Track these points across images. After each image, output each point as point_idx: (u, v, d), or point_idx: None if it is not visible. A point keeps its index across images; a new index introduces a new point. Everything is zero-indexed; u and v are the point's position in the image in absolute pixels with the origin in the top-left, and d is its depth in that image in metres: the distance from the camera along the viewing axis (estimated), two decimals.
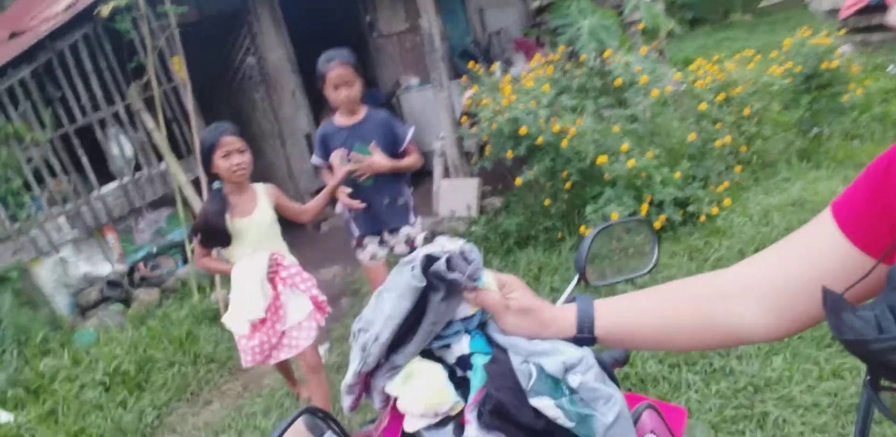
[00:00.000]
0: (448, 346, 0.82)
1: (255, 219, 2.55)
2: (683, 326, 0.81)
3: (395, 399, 0.82)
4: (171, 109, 4.67)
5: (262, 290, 2.44)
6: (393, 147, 2.92)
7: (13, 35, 4.65)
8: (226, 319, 2.54)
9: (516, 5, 7.73)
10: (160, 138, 4.53)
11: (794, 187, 3.97)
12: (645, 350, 0.83)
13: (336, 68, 2.75)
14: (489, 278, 0.81)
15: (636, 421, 0.84)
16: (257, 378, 3.45)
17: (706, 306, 0.80)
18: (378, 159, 2.80)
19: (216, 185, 2.54)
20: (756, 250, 3.43)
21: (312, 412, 0.87)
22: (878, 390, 0.57)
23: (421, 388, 0.79)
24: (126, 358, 3.47)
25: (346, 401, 0.85)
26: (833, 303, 0.58)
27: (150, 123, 4.54)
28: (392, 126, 2.95)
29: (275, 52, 5.54)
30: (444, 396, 0.79)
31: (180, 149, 4.76)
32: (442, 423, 0.80)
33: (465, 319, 0.82)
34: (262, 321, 2.50)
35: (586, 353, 0.77)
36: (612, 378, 0.80)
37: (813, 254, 0.72)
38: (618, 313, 0.83)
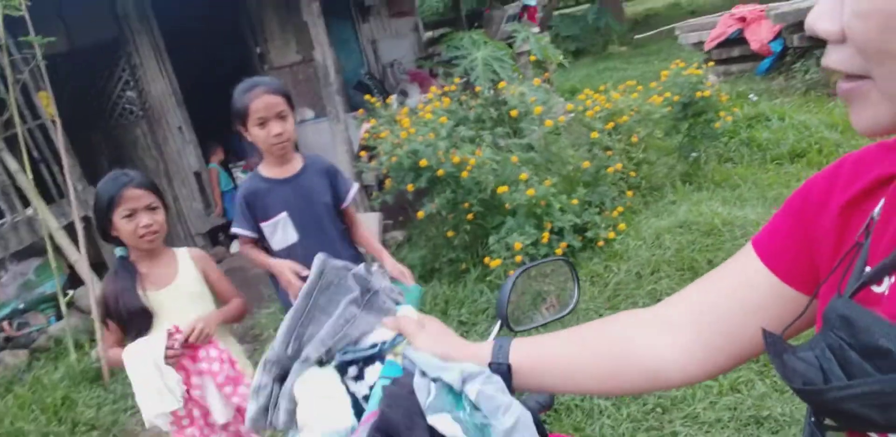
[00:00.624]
0: (359, 374, 0.82)
1: (179, 287, 2.00)
2: (600, 359, 0.78)
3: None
4: (38, 148, 4.28)
5: (161, 377, 1.82)
6: (334, 205, 2.36)
7: None
8: (144, 415, 1.90)
9: (409, 36, 7.84)
10: (26, 181, 4.12)
11: (680, 209, 4.19)
12: (563, 393, 0.82)
13: (262, 96, 2.07)
14: (410, 308, 0.87)
15: None
16: None
17: (625, 341, 0.78)
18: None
19: (118, 252, 2.01)
20: (652, 273, 3.56)
21: None
22: (824, 430, 0.56)
23: (318, 396, 0.80)
24: None
25: (251, 408, 0.83)
26: (773, 345, 0.57)
27: (12, 165, 4.13)
28: (337, 177, 2.36)
29: (157, 84, 5.24)
30: (340, 407, 0.79)
31: (50, 192, 4.35)
32: None
33: (380, 343, 0.83)
34: (188, 414, 1.95)
35: (489, 372, 0.75)
36: (538, 423, 0.78)
37: (737, 289, 0.72)
38: (534, 345, 0.81)
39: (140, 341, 1.89)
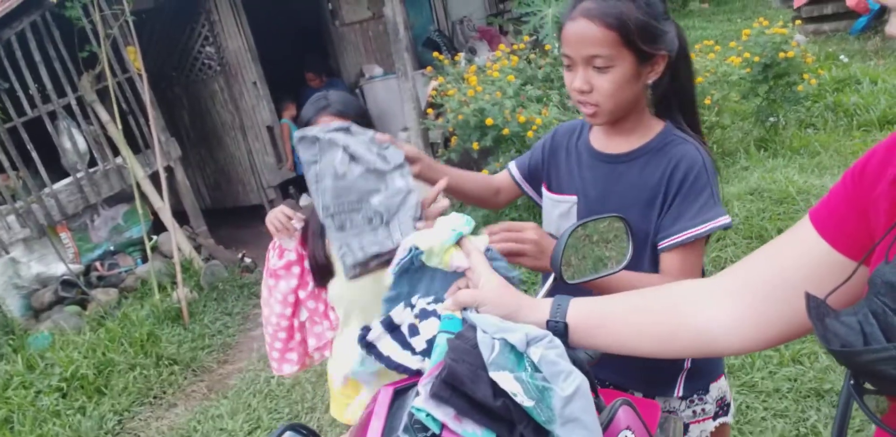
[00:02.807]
0: (413, 331, 0.87)
1: None
2: (656, 323, 0.80)
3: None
4: (126, 101, 4.51)
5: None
6: None
7: None
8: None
9: None
10: (115, 132, 4.38)
11: (752, 176, 4.05)
12: (616, 353, 0.85)
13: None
14: (479, 239, 0.93)
15: (612, 418, 0.84)
16: (222, 379, 3.39)
17: (684, 306, 0.80)
18: None
19: None
20: (718, 239, 3.48)
21: (296, 428, 0.86)
22: (862, 393, 0.57)
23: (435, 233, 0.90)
24: (84, 362, 3.34)
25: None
26: (816, 309, 0.57)
27: (104, 116, 4.38)
28: None
29: (234, 41, 5.39)
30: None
31: (137, 142, 4.61)
32: (406, 390, 0.82)
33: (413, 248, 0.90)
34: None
35: (552, 336, 0.77)
36: (586, 374, 0.79)
37: (793, 259, 0.72)
38: (592, 306, 0.83)
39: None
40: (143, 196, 4.39)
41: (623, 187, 1.21)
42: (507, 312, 0.83)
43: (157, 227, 4.57)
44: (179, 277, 4.04)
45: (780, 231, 3.38)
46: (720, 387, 1.34)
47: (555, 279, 1.02)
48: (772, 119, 4.78)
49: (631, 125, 1.21)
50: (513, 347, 0.75)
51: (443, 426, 0.72)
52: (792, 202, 3.61)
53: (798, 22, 5.31)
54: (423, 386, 0.74)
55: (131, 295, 4.21)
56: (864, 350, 0.50)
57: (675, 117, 1.22)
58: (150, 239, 4.43)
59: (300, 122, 1.67)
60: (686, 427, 1.31)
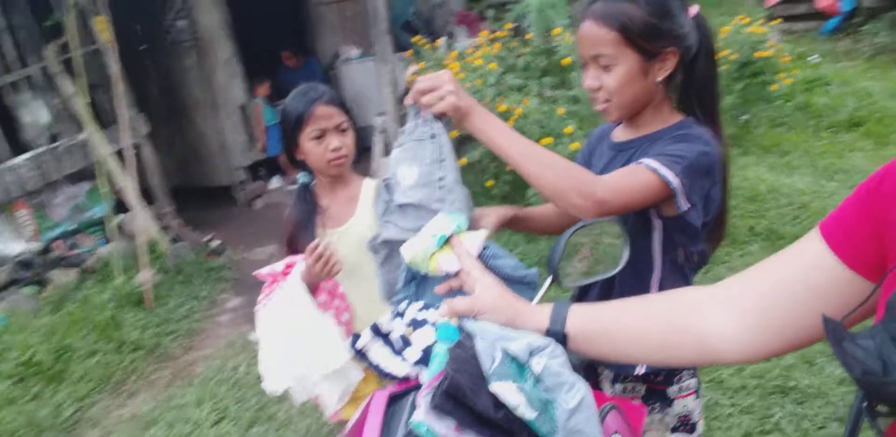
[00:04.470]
0: (406, 342, 0.85)
1: (350, 231, 1.69)
2: (656, 331, 0.80)
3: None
4: (93, 73, 4.33)
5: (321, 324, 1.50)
6: None
7: None
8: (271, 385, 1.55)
9: None
10: (81, 105, 4.21)
11: None
12: (615, 361, 0.86)
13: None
14: (475, 234, 0.92)
15: (601, 422, 0.84)
16: (188, 367, 3.31)
17: (684, 314, 0.79)
18: None
19: (301, 178, 1.73)
20: None
21: None
22: (875, 416, 0.57)
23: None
24: (41, 347, 3.22)
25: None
26: (833, 331, 0.57)
27: (68, 89, 4.20)
28: None
29: (209, 14, 5.21)
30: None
31: (103, 117, 4.44)
32: (403, 395, 0.81)
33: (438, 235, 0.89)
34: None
35: (555, 344, 0.76)
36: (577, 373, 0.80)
37: (801, 273, 0.72)
38: (591, 313, 0.82)
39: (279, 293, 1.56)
40: (108, 174, 4.24)
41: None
42: (505, 319, 0.81)
43: (122, 206, 4.43)
44: (144, 258, 3.93)
45: (751, 229, 3.46)
46: (685, 405, 1.35)
47: (551, 283, 1.02)
48: (744, 117, 4.85)
49: (648, 119, 1.25)
50: (514, 357, 0.74)
51: None
52: (763, 200, 3.68)
53: (776, 21, 5.38)
54: (423, 398, 0.72)
55: (92, 277, 4.09)
56: (890, 381, 0.50)
57: (695, 113, 1.24)
58: (114, 219, 4.29)
59: (291, 115, 1.66)
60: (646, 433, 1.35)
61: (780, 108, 5.17)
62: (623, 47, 1.13)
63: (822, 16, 7.33)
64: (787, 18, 7.69)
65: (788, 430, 2.18)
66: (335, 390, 1.47)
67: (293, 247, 1.69)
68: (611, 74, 1.16)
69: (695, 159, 1.12)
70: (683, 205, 1.12)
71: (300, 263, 1.52)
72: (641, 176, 1.10)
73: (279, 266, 1.56)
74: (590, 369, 1.40)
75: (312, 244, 1.47)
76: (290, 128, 1.65)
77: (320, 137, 1.64)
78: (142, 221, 4.18)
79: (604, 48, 1.14)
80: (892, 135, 4.55)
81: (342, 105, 1.68)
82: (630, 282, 1.24)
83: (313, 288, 1.54)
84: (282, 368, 1.50)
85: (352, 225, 1.70)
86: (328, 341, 1.44)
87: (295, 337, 1.47)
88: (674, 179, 1.09)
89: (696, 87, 1.23)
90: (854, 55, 6.56)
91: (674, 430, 1.36)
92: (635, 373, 1.32)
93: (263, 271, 1.57)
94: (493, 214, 1.33)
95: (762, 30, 4.52)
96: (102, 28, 4.25)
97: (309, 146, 1.65)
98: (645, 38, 1.13)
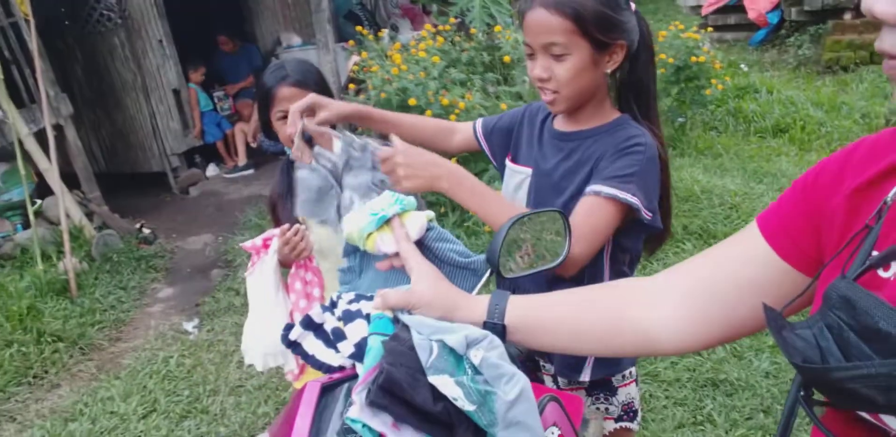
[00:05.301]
0: (339, 334, 0.83)
1: None
2: (596, 322, 0.80)
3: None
4: (9, 49, 4.04)
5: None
6: None
7: None
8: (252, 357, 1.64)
9: None
10: None
11: None
12: (553, 351, 0.87)
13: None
14: (418, 215, 0.90)
15: (540, 414, 0.84)
16: (114, 358, 3.15)
17: (623, 305, 0.80)
18: None
19: (289, 152, 1.66)
20: None
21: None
22: (812, 404, 0.58)
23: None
24: None
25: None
26: (774, 321, 0.58)
27: None
28: None
29: None
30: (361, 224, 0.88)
31: (21, 96, 4.15)
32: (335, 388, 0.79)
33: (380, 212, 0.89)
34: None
35: (492, 336, 0.75)
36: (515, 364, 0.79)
37: (738, 265, 0.73)
38: (530, 305, 0.82)
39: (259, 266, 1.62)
40: (27, 156, 3.97)
41: (571, 163, 1.23)
42: (442, 312, 0.79)
43: (43, 190, 4.16)
44: (67, 245, 3.71)
45: (685, 228, 3.57)
46: (629, 392, 1.39)
47: (491, 273, 1.00)
48: (680, 120, 5.01)
49: (589, 113, 1.24)
50: (451, 349, 0.73)
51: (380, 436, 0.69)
52: (696, 201, 3.81)
53: (709, 29, 5.58)
54: (358, 394, 0.70)
55: (9, 264, 3.83)
56: (832, 368, 0.50)
57: (632, 110, 1.25)
58: (34, 203, 4.02)
59: (260, 91, 1.64)
60: (586, 423, 1.36)
61: (713, 112, 5.37)
62: (576, 37, 1.11)
63: (752, 27, 7.68)
64: (719, 28, 8.03)
65: (719, 421, 2.26)
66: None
67: (277, 218, 1.74)
68: (562, 65, 1.13)
69: (641, 170, 1.14)
70: (646, 216, 1.14)
71: (276, 239, 1.58)
72: (604, 210, 1.12)
73: (258, 240, 1.61)
74: (530, 360, 1.40)
75: (283, 227, 1.54)
76: (261, 105, 1.65)
77: (285, 117, 1.57)
78: (65, 205, 3.93)
79: (557, 37, 1.11)
80: (814, 142, 4.81)
81: (314, 85, 1.59)
82: None
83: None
84: (259, 336, 1.60)
85: None
86: (276, 324, 1.51)
87: (262, 310, 1.60)
88: (633, 199, 1.11)
89: (635, 83, 1.23)
90: (780, 65, 6.90)
91: (618, 419, 1.38)
92: (580, 380, 1.32)
93: (247, 244, 1.63)
94: (335, 107, 1.25)
95: (696, 36, 4.67)
96: (20, 0, 3.97)
97: (277, 126, 1.64)
98: (598, 28, 1.11)
